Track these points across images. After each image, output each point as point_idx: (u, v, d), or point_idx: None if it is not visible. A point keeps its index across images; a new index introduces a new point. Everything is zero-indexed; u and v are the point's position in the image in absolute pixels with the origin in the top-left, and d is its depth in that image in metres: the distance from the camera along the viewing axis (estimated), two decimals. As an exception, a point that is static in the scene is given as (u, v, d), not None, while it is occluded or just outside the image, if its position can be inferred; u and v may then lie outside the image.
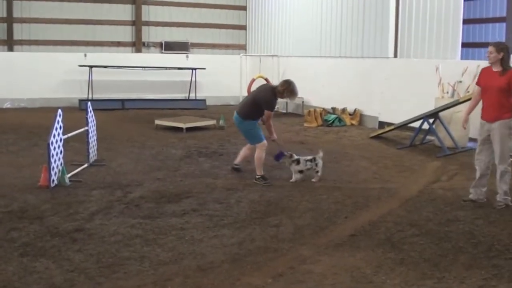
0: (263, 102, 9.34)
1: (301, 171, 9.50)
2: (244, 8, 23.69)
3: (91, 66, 19.87)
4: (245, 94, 19.66)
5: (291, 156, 9.54)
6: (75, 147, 11.50)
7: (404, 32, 15.52)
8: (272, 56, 21.00)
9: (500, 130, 7.92)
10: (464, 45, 16.45)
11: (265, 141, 9.58)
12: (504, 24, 14.23)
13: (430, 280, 5.53)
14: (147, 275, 5.55)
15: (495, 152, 8.02)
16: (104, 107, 18.72)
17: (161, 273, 5.59)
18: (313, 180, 9.51)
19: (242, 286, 5.33)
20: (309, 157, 9.61)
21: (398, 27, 15.63)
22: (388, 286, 5.39)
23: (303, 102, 18.93)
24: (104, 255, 6.01)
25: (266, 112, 9.37)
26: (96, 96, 19.94)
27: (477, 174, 8.29)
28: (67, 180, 8.97)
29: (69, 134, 9.70)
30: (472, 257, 6.17)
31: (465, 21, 16.09)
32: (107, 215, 7.46)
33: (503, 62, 7.89)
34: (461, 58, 15.05)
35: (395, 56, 15.77)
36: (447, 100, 12.83)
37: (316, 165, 9.55)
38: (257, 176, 9.45)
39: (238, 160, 10.15)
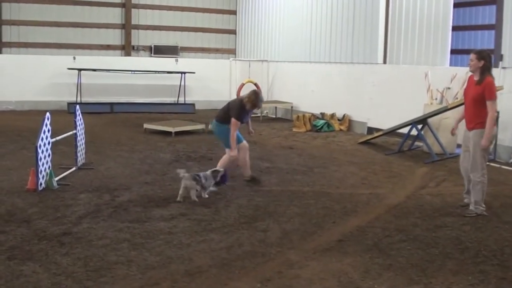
0: (230, 109, 9.41)
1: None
2: (234, 12, 23.70)
3: (80, 69, 19.82)
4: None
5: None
6: (63, 151, 11.46)
7: (394, 39, 15.58)
8: (262, 61, 21.02)
9: (473, 140, 7.97)
10: (453, 52, 16.50)
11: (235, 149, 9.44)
12: (493, 32, 14.29)
13: (417, 285, 5.55)
14: (134, 279, 5.54)
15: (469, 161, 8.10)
16: (93, 110, 18.68)
17: (149, 278, 5.58)
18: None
19: (230, 291, 5.34)
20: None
21: (388, 33, 15.69)
22: (375, 291, 5.41)
23: (292, 107, 18.96)
24: (92, 259, 5.99)
25: (232, 120, 9.26)
26: (85, 99, 19.87)
27: (465, 181, 8.35)
28: (55, 184, 8.95)
29: (57, 137, 9.66)
30: (459, 262, 6.20)
31: (455, 28, 16.15)
32: (95, 218, 7.44)
33: (483, 70, 7.89)
34: (450, 65, 15.09)
35: (385, 62, 15.83)
36: (435, 107, 12.88)
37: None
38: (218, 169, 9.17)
39: (245, 171, 9.93)
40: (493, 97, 7.78)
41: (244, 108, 9.36)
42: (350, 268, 5.94)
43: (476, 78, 8.00)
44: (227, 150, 9.51)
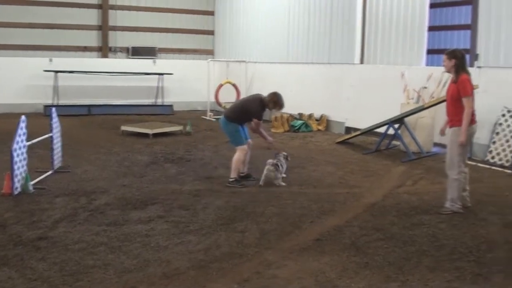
0: (253, 111, 9.63)
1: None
2: (212, 13, 23.67)
3: (56, 71, 19.70)
4: (213, 99, 19.71)
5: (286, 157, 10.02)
6: (39, 154, 11.36)
7: (371, 39, 15.65)
8: (240, 61, 21.01)
9: (450, 137, 8.05)
10: (430, 51, 16.59)
11: (245, 146, 9.73)
12: (469, 32, 14.39)
13: (394, 283, 5.59)
14: (111, 283, 5.52)
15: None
16: (70, 113, 18.55)
17: (126, 281, 5.56)
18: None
19: (207, 292, 5.33)
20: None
21: (365, 34, 15.76)
22: (352, 290, 5.44)
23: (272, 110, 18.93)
24: (68, 263, 5.96)
25: (254, 120, 9.62)
26: (62, 101, 19.73)
27: None
28: (30, 188, 8.88)
29: (33, 141, 9.61)
30: (436, 260, 6.25)
31: (431, 28, 16.22)
32: (71, 222, 7.40)
33: (456, 69, 7.98)
34: (426, 65, 15.16)
35: (362, 62, 15.89)
36: (412, 106, 12.96)
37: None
38: (230, 179, 9.56)
39: (243, 167, 10.11)
40: (467, 94, 7.84)
41: (264, 108, 9.74)
42: (328, 267, 5.97)
43: (452, 77, 8.08)
44: (237, 148, 9.76)
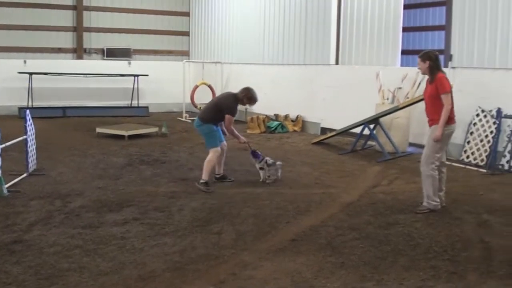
0: (225, 107, 9.56)
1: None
2: (187, 14, 23.63)
3: (31, 73, 19.54)
4: (188, 101, 19.68)
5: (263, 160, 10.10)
6: (13, 157, 11.27)
7: (346, 40, 15.71)
8: (216, 62, 20.99)
9: (429, 134, 8.11)
10: (404, 52, 16.69)
11: (218, 148, 9.66)
12: (443, 32, 14.50)
13: (369, 282, 5.61)
14: (86, 286, 5.48)
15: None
16: (45, 115, 18.41)
17: (101, 284, 5.53)
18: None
19: (183, 294, 5.32)
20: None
21: (340, 34, 15.82)
22: (328, 290, 5.45)
23: (246, 109, 18.93)
24: (43, 267, 5.91)
25: (226, 116, 9.53)
26: (37, 103, 19.59)
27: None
28: (5, 191, 8.80)
29: (7, 143, 9.52)
30: (411, 259, 6.29)
31: (405, 29, 16.34)
32: (46, 225, 7.34)
33: (431, 70, 8.04)
34: (401, 65, 15.25)
35: (337, 63, 15.95)
36: (387, 106, 13.03)
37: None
38: (201, 181, 9.47)
39: (218, 169, 10.11)
40: (446, 90, 7.89)
41: (237, 103, 9.72)
42: (304, 267, 5.98)
43: (428, 78, 8.15)
44: (210, 150, 9.66)
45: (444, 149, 8.29)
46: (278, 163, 10.11)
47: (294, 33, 17.29)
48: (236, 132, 9.87)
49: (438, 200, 8.16)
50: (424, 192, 8.19)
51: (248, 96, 9.75)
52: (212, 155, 9.62)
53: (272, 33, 18.32)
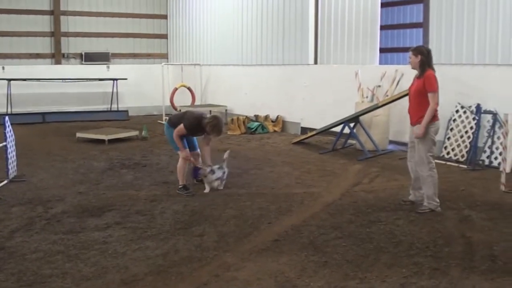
0: (186, 118, 9.21)
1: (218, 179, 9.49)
2: (165, 17, 23.57)
3: (9, 79, 19.40)
4: (168, 103, 19.64)
5: (211, 171, 9.41)
6: (-7, 163, 11.19)
7: (324, 39, 15.75)
8: (194, 65, 20.95)
9: (415, 136, 8.12)
10: (383, 50, 16.81)
11: (184, 153, 9.41)
12: (421, 30, 14.60)
13: (353, 280, 5.62)
14: (70, 291, 5.46)
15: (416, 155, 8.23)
16: (24, 121, 18.26)
17: (84, 289, 5.51)
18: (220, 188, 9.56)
19: (167, 297, 5.30)
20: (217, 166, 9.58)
21: (318, 34, 15.86)
22: (311, 289, 5.46)
23: (226, 110, 18.97)
24: (25, 274, 5.86)
25: (180, 126, 9.14)
26: (16, 110, 19.39)
27: (412, 178, 8.47)
28: (-15, 198, 8.74)
29: (-14, 150, 9.46)
30: (393, 256, 6.31)
31: (383, 27, 16.44)
32: (28, 232, 7.28)
33: (422, 64, 8.04)
34: (380, 63, 15.35)
35: (316, 62, 15.98)
36: (366, 105, 13.08)
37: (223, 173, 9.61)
38: (179, 186, 9.41)
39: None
40: (434, 89, 7.89)
41: (199, 126, 9.14)
42: (286, 267, 5.98)
43: (417, 73, 8.16)
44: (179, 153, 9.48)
45: (433, 146, 8.25)
46: (225, 155, 9.85)
47: (272, 34, 17.31)
48: (182, 144, 9.31)
49: (438, 200, 8.14)
50: (425, 192, 8.16)
51: (212, 124, 9.02)
52: (180, 160, 9.46)
53: (250, 34, 18.33)
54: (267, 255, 6.37)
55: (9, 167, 10.24)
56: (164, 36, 23.71)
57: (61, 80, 20.42)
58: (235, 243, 6.85)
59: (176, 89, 19.95)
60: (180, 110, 18.84)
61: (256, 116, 17.12)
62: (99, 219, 7.86)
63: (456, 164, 11.36)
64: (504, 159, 9.62)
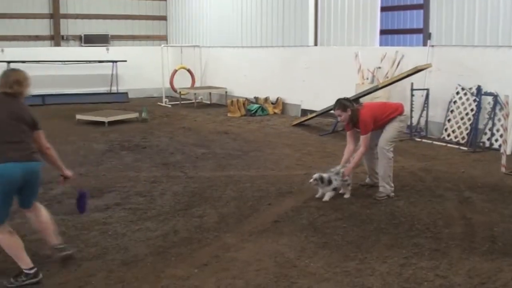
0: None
1: (334, 189, 7.90)
2: (164, -2, 23.50)
3: (8, 62, 19.30)
4: (167, 85, 19.62)
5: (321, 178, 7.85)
6: (-8, 145, 11.16)
7: (324, 20, 15.68)
8: (194, 46, 20.86)
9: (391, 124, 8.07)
10: (383, 32, 16.71)
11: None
12: (421, 11, 14.54)
13: (352, 261, 5.63)
14: (70, 271, 5.46)
15: None
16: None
17: (84, 269, 5.52)
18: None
19: (167, 278, 5.30)
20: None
21: (318, 15, 15.78)
22: (311, 269, 5.46)
23: (226, 92, 18.92)
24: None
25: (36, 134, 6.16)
26: (15, 92, 19.34)
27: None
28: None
29: (-15, 132, 9.41)
30: (394, 237, 6.32)
31: (383, 9, 16.34)
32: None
33: (353, 116, 7.94)
34: (380, 45, 15.27)
35: (315, 44, 15.93)
36: (367, 86, 13.05)
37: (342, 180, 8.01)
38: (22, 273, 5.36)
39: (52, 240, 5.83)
40: (365, 133, 7.92)
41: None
42: (286, 248, 5.99)
43: (351, 123, 8.07)
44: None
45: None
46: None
47: (272, 15, 17.22)
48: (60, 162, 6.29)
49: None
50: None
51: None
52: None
53: (250, 15, 18.24)
54: (267, 236, 6.38)
55: (9, 149, 10.20)
56: (164, 18, 23.58)
57: (60, 62, 20.35)
58: (235, 224, 6.85)
59: (175, 71, 19.90)
60: (180, 92, 18.84)
61: (256, 98, 17.08)
62: (100, 200, 7.88)
63: (457, 146, 11.35)
64: (504, 141, 9.63)
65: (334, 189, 7.87)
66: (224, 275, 5.37)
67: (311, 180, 7.84)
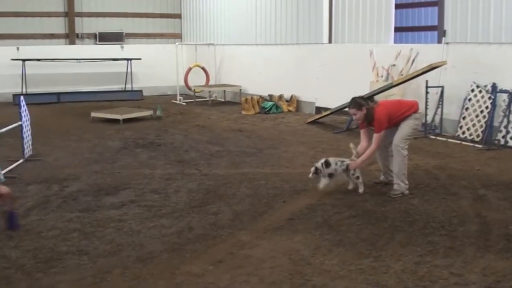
0: None
1: (330, 174, 8.09)
2: (178, -4, 23.54)
3: (24, 60, 19.45)
4: (182, 83, 19.66)
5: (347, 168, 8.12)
6: (10, 143, 11.25)
7: (338, 18, 15.66)
8: (208, 44, 20.89)
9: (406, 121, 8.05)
10: (397, 29, 16.68)
11: None
12: (436, 8, 14.50)
13: (367, 259, 5.63)
14: (85, 268, 5.50)
15: None
16: (39, 101, 18.33)
17: (100, 266, 5.55)
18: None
19: (182, 275, 5.32)
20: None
21: (332, 13, 15.76)
22: (326, 266, 5.46)
23: (240, 90, 18.94)
24: (41, 251, 5.92)
25: None
26: (31, 90, 19.49)
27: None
28: (1, 177, 8.76)
29: (2, 130, 9.50)
30: (408, 235, 6.30)
31: (398, 6, 16.33)
32: (44, 210, 7.34)
33: (369, 115, 7.95)
34: (395, 42, 15.24)
35: (330, 41, 15.91)
36: (381, 84, 13.02)
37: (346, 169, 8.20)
38: None
39: None
40: (379, 131, 7.91)
41: None
42: (301, 246, 6.00)
43: (366, 122, 8.07)
44: None
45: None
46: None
47: (287, 13, 17.22)
48: None
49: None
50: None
51: None
52: None
53: (264, 12, 18.25)
54: (282, 234, 6.39)
55: (25, 146, 10.30)
56: (178, 16, 23.64)
57: (75, 60, 20.45)
58: (250, 221, 6.87)
59: (190, 68, 19.94)
60: (194, 90, 18.88)
61: (270, 96, 17.08)
62: (115, 197, 7.91)
63: (472, 144, 11.31)
64: (520, 139, 9.58)
65: (330, 175, 8.00)
66: (238, 272, 5.38)
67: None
